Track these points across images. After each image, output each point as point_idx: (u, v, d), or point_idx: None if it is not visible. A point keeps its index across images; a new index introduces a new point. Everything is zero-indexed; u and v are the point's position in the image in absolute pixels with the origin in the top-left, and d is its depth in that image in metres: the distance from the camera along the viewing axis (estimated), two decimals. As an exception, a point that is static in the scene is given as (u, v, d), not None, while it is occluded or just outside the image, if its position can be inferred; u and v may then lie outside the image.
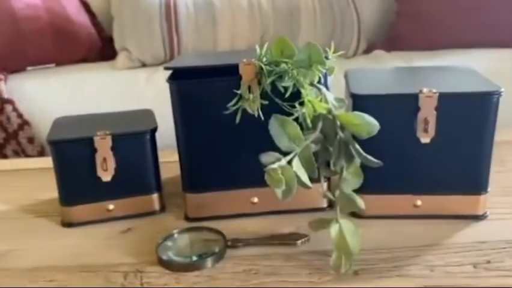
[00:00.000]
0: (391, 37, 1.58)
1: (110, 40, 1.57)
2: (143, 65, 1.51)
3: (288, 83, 0.56)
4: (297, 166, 0.50)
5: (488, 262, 0.56)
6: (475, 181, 0.63)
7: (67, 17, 1.53)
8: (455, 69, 0.73)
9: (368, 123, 0.52)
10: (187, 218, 0.69)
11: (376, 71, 0.76)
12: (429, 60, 1.39)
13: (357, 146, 0.53)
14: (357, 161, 0.54)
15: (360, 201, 0.53)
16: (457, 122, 0.61)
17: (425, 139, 0.61)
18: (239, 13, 1.48)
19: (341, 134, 0.54)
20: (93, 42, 1.59)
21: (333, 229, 0.52)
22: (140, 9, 1.47)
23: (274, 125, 0.52)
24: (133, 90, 1.41)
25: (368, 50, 1.56)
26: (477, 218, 0.65)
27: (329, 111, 0.54)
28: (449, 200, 0.64)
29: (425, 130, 0.61)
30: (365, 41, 1.54)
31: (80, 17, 1.58)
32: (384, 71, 0.74)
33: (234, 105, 0.60)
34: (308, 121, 0.55)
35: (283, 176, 0.48)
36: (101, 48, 1.62)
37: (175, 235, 0.64)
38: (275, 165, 0.48)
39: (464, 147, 0.61)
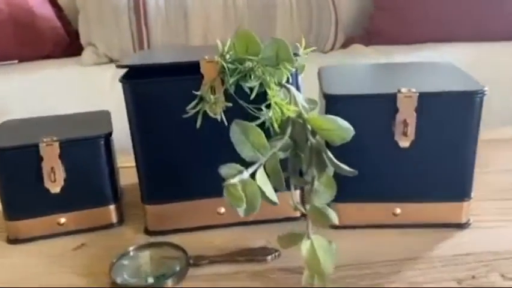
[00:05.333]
0: (369, 31, 1.54)
1: (78, 35, 1.49)
2: (111, 60, 1.44)
3: (253, 83, 0.51)
4: (262, 179, 0.44)
5: (473, 277, 0.51)
6: (458, 187, 0.59)
7: (30, 10, 1.45)
8: (435, 65, 0.68)
9: (341, 128, 0.47)
10: (148, 232, 0.63)
11: (351, 67, 0.70)
12: (408, 55, 1.35)
13: (330, 154, 0.48)
14: (330, 169, 0.49)
15: (334, 215, 0.48)
16: (438, 124, 0.56)
17: (404, 143, 0.56)
18: (212, 7, 1.42)
19: (312, 139, 0.48)
20: (58, 37, 1.51)
21: (304, 246, 0.47)
22: (107, 1, 1.40)
23: (236, 132, 0.46)
24: (100, 87, 1.33)
25: (345, 44, 1.52)
26: (460, 226, 0.60)
27: (299, 115, 0.49)
28: (430, 207, 0.60)
29: (404, 133, 0.56)
30: (343, 35, 1.49)
31: (44, 9, 1.49)
32: (360, 68, 0.69)
33: (193, 107, 0.54)
34: (275, 126, 0.50)
35: (245, 191, 0.42)
36: (68, 44, 1.54)
37: (132, 252, 0.57)
38: (235, 180, 0.42)
39: (446, 151, 0.57)
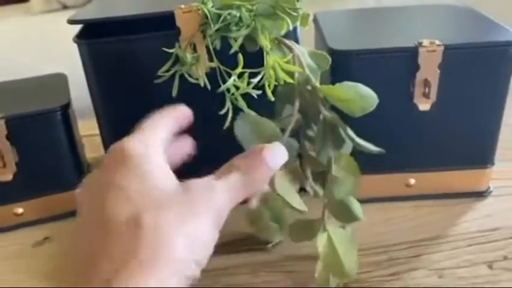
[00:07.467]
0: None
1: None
2: (64, 7, 1.28)
3: (240, 32, 0.40)
4: (282, 185, 0.35)
5: (505, 258, 0.45)
6: (481, 153, 0.51)
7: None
8: (452, 11, 0.58)
9: (363, 98, 0.38)
10: (123, 218, 0.54)
11: (353, 13, 0.60)
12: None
13: (349, 130, 0.39)
14: (347, 147, 0.40)
15: (359, 210, 0.39)
16: (464, 83, 0.47)
17: (424, 106, 0.48)
18: None
19: (325, 112, 0.39)
20: (-1, -20, 1.32)
21: (320, 242, 0.39)
22: None
23: (244, 129, 0.36)
24: (53, 38, 1.18)
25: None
26: (480, 194, 0.54)
27: (306, 81, 0.39)
28: (447, 176, 0.52)
29: (425, 94, 0.47)
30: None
31: None
32: (364, 14, 0.59)
33: (167, 70, 0.43)
34: (269, 92, 0.39)
35: (269, 210, 0.34)
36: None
37: (107, 248, 0.48)
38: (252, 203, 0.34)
39: (471, 112, 0.49)
